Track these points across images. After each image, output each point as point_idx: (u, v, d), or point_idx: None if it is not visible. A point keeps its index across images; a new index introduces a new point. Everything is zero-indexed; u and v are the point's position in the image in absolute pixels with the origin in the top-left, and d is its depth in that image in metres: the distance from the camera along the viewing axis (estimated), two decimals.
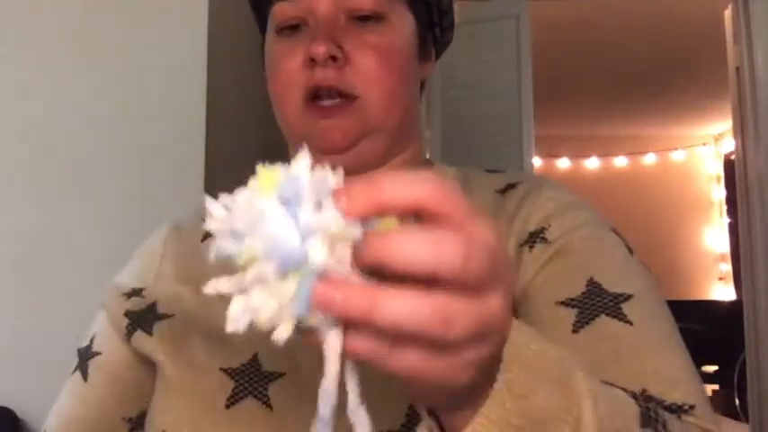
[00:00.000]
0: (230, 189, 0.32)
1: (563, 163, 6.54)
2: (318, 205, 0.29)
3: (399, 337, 0.29)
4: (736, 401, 4.40)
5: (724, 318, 4.79)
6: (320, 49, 0.58)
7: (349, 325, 0.29)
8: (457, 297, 0.29)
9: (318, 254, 0.28)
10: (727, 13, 2.63)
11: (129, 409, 0.66)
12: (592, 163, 6.56)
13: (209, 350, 0.60)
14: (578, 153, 6.54)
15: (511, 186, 0.66)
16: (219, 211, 0.31)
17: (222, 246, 0.30)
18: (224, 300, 0.68)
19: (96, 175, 1.64)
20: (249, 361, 0.59)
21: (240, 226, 0.29)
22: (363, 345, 0.29)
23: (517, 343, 0.35)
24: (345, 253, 0.29)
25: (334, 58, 0.59)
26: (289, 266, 0.28)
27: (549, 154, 6.34)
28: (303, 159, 0.30)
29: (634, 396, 0.45)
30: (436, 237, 0.29)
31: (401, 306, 0.28)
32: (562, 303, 0.55)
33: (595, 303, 0.55)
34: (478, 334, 0.30)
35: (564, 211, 0.61)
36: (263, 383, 0.57)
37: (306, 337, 0.30)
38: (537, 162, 5.53)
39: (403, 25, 0.63)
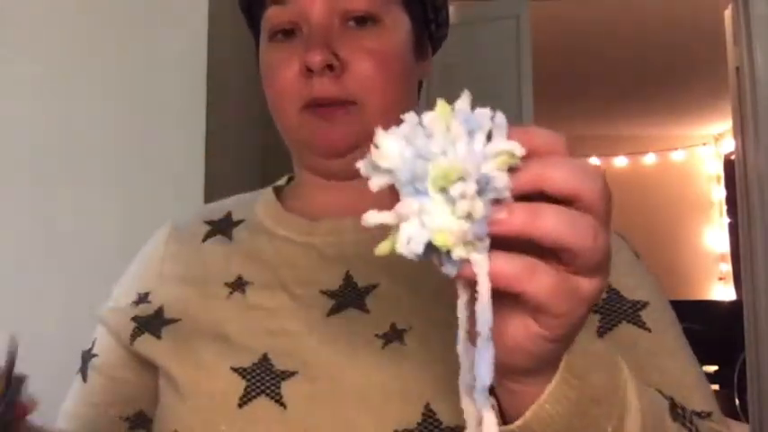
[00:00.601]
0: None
1: None
2: (489, 136, 0.32)
3: (537, 263, 0.32)
4: (737, 401, 4.40)
5: (724, 318, 4.79)
6: (316, 59, 0.57)
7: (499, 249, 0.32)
8: (598, 221, 0.33)
9: (503, 178, 0.31)
10: (727, 13, 2.63)
11: (125, 408, 0.66)
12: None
13: (218, 351, 0.60)
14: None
15: None
16: (392, 142, 0.33)
17: (412, 165, 0.32)
18: (229, 302, 0.67)
19: (96, 176, 1.64)
20: (260, 360, 0.58)
21: (435, 148, 0.32)
22: (510, 265, 0.32)
23: None
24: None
25: (330, 67, 0.58)
26: (481, 187, 0.31)
27: None
28: (466, 97, 0.34)
29: (662, 393, 0.46)
30: (584, 162, 0.34)
31: (560, 217, 0.32)
32: None
33: (616, 310, 0.56)
34: (605, 258, 0.33)
35: None
36: (276, 382, 0.57)
37: (463, 269, 0.32)
38: None
39: (398, 26, 0.63)
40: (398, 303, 0.57)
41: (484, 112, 0.33)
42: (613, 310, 0.56)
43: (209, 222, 0.69)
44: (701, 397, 0.52)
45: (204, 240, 0.68)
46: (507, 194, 0.32)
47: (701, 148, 6.58)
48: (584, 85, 5.23)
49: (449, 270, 0.32)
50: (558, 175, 0.32)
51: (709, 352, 4.43)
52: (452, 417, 0.51)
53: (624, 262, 0.59)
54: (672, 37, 4.25)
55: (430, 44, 0.71)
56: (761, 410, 2.43)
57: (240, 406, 0.56)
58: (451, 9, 2.77)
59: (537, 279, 0.32)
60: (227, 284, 0.63)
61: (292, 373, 0.57)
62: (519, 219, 0.31)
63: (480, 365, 0.33)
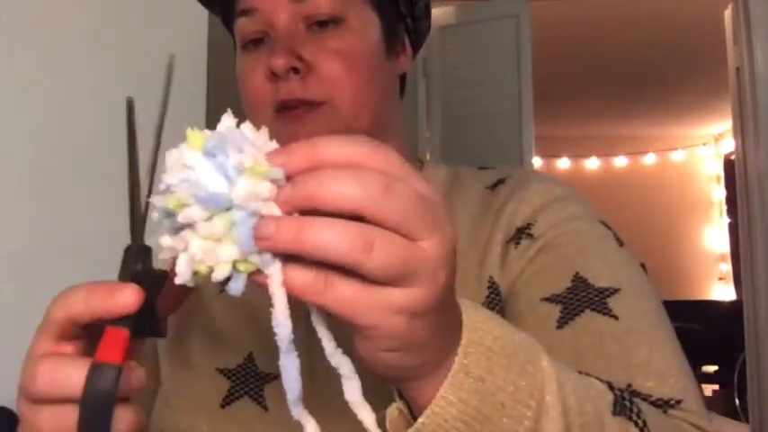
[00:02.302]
0: None
1: (563, 163, 6.54)
2: (241, 152, 0.31)
3: (331, 273, 0.31)
4: (737, 401, 4.40)
5: (724, 318, 4.79)
6: (279, 62, 0.58)
7: (286, 261, 0.32)
8: (383, 231, 0.31)
9: (241, 190, 0.31)
10: (727, 13, 2.63)
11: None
12: (592, 163, 6.56)
13: (205, 350, 0.61)
14: (578, 153, 6.54)
15: (500, 182, 0.66)
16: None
17: (155, 201, 0.32)
18: (220, 299, 0.68)
19: (97, 175, 1.64)
20: (245, 361, 0.59)
21: (171, 180, 0.31)
22: (301, 277, 0.31)
23: (478, 328, 0.37)
24: (272, 195, 0.32)
25: (295, 70, 0.59)
26: (212, 207, 0.31)
27: (549, 154, 6.34)
28: (227, 118, 0.34)
29: (611, 386, 0.44)
30: (362, 173, 0.31)
31: (326, 231, 0.30)
32: (546, 300, 0.55)
33: (580, 299, 0.54)
34: (402, 271, 0.31)
35: (550, 205, 0.61)
36: (259, 384, 0.58)
37: (253, 278, 0.32)
38: (537, 162, 5.53)
39: (365, 25, 0.63)
40: None
41: (238, 131, 0.33)
42: (577, 300, 0.54)
43: None
44: (674, 385, 0.50)
45: None
46: (265, 209, 0.31)
47: (701, 148, 6.58)
48: (585, 85, 5.23)
49: (231, 288, 0.32)
50: (328, 192, 0.31)
51: (709, 352, 4.43)
52: None
53: (603, 250, 0.58)
54: (672, 37, 4.25)
55: (409, 39, 0.70)
56: (761, 410, 2.43)
57: (223, 406, 0.57)
58: (451, 9, 2.78)
59: (332, 291, 0.31)
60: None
61: (276, 377, 0.58)
62: (286, 234, 0.30)
63: (287, 379, 0.34)
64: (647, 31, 4.19)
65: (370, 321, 0.32)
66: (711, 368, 4.71)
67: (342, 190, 0.31)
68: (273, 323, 0.33)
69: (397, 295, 0.32)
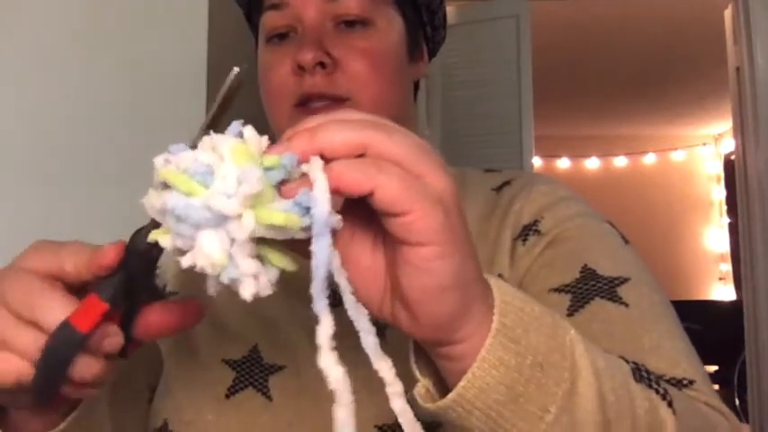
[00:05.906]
0: None
1: (563, 163, 6.53)
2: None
3: (380, 161, 0.33)
4: (737, 401, 4.40)
5: (724, 318, 4.79)
6: (308, 56, 0.59)
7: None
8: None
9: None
10: (727, 13, 2.63)
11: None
12: (592, 163, 6.56)
13: (211, 341, 0.62)
14: (578, 153, 6.54)
15: (506, 184, 0.67)
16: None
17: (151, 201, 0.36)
18: (225, 290, 0.69)
19: (96, 176, 1.64)
20: (250, 352, 0.60)
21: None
22: (351, 166, 0.32)
23: (505, 292, 0.37)
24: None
25: (322, 65, 0.60)
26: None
27: (549, 154, 6.33)
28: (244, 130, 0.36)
29: (624, 359, 0.45)
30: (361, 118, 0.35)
31: (336, 122, 0.34)
32: (555, 290, 0.56)
33: (590, 288, 0.55)
34: (422, 149, 0.34)
35: (557, 203, 0.62)
36: (264, 375, 0.59)
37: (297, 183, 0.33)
38: (537, 162, 5.53)
39: (391, 28, 0.64)
40: None
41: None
42: (586, 289, 0.55)
43: None
44: (685, 368, 0.51)
45: None
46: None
47: (701, 148, 6.58)
48: (584, 85, 5.23)
49: (301, 200, 0.32)
50: (332, 137, 0.33)
51: (710, 352, 4.42)
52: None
53: (610, 245, 0.59)
54: (672, 37, 4.24)
55: (426, 47, 0.72)
56: (761, 410, 2.43)
57: (228, 396, 0.58)
58: (451, 9, 2.78)
59: (385, 173, 0.32)
60: None
61: (280, 368, 0.59)
62: (302, 138, 0.33)
63: (315, 266, 0.31)
64: (647, 31, 4.19)
65: (418, 207, 0.32)
66: (711, 368, 4.71)
67: (342, 132, 0.33)
68: (312, 203, 0.31)
69: (430, 180, 0.34)
